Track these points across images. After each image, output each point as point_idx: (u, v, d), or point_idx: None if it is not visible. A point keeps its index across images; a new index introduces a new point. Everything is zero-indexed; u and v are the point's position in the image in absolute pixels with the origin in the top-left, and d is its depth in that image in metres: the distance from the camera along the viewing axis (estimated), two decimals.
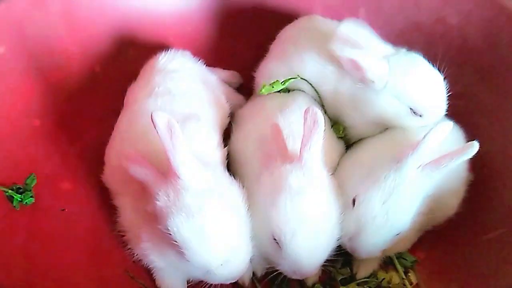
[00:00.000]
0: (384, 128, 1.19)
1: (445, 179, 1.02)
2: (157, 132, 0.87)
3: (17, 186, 1.14)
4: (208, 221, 0.87)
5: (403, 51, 1.13)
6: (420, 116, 1.11)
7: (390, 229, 0.98)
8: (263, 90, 1.21)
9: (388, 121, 1.16)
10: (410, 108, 1.10)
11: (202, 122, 1.13)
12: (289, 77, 1.22)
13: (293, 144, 1.04)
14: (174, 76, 1.20)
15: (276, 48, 1.34)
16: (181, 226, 0.86)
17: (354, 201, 1.00)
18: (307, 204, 0.94)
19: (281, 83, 1.21)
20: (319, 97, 1.25)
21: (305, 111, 0.95)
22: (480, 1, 1.25)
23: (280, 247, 0.95)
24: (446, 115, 1.19)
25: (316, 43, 1.21)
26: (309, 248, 0.94)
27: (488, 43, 1.25)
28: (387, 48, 1.13)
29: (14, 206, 1.11)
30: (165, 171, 0.92)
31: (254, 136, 1.15)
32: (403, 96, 1.10)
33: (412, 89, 1.09)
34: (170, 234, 0.87)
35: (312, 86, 1.23)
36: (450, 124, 0.98)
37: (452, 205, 1.13)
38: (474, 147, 0.95)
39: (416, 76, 1.09)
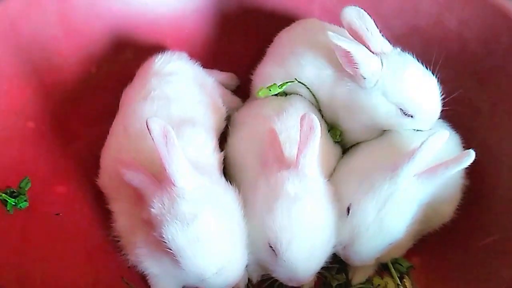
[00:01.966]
0: (380, 132, 1.19)
1: (441, 186, 1.01)
2: (152, 139, 0.87)
3: (11, 190, 1.12)
4: (203, 230, 0.87)
5: (397, 50, 1.12)
6: (412, 117, 1.10)
7: (384, 238, 0.97)
8: (260, 93, 1.20)
9: (380, 123, 1.15)
10: (400, 109, 1.10)
11: (198, 127, 1.12)
12: (287, 81, 1.21)
13: (290, 149, 1.04)
14: (170, 79, 1.19)
15: (273, 51, 1.33)
16: (176, 234, 0.86)
17: (348, 209, 1.00)
18: (304, 212, 0.93)
19: (279, 86, 1.21)
20: (316, 101, 1.24)
21: (301, 117, 0.95)
22: (479, 7, 1.24)
23: (276, 254, 0.95)
24: (442, 120, 1.18)
25: (313, 46, 1.20)
26: (305, 256, 0.94)
27: (486, 48, 1.25)
28: (384, 44, 1.11)
29: (8, 210, 1.09)
30: (160, 177, 0.92)
31: (251, 140, 1.14)
32: (393, 95, 1.09)
33: (401, 88, 1.08)
34: (165, 242, 0.87)
35: (310, 90, 1.23)
36: (446, 133, 0.97)
37: (448, 212, 1.13)
38: (470, 156, 0.94)
39: (407, 76, 1.08)
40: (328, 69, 1.18)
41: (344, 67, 1.11)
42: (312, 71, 1.20)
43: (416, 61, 1.12)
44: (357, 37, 1.09)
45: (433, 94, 1.11)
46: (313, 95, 1.24)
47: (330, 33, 1.06)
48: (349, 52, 1.06)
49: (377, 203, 0.96)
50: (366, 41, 1.09)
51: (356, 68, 1.08)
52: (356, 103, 1.14)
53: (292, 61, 1.23)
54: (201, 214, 0.87)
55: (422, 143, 0.95)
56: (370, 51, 1.08)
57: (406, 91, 1.08)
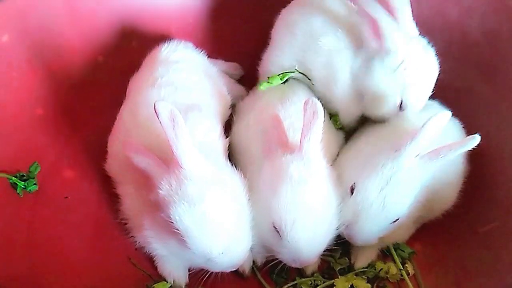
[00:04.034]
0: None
1: (443, 171, 1.03)
2: (160, 122, 0.88)
3: (21, 174, 1.15)
4: (210, 210, 0.88)
5: (423, 40, 1.12)
6: (401, 109, 1.12)
7: (387, 216, 0.99)
8: (261, 87, 1.23)
9: (374, 101, 1.14)
10: (401, 101, 1.11)
11: (204, 113, 1.14)
12: (287, 71, 1.23)
13: (293, 135, 1.06)
14: (176, 67, 1.21)
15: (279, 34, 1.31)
16: (183, 215, 0.87)
17: (352, 189, 1.02)
18: (308, 194, 0.95)
19: (280, 78, 1.23)
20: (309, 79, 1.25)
21: (305, 102, 0.96)
22: None
23: (280, 235, 0.97)
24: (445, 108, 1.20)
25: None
26: (308, 237, 0.96)
27: (487, 38, 1.25)
28: (413, 28, 1.11)
29: (18, 193, 1.12)
30: (168, 160, 0.94)
31: (255, 127, 1.16)
32: (405, 87, 1.09)
33: (415, 86, 1.09)
34: (172, 223, 0.89)
35: (305, 75, 1.24)
36: (448, 114, 0.98)
37: (450, 197, 1.14)
38: (475, 140, 0.96)
39: (425, 76, 1.09)
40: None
41: (366, 39, 1.09)
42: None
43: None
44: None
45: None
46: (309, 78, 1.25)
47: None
48: (378, 22, 1.03)
49: (380, 181, 0.97)
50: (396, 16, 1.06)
51: (382, 41, 1.06)
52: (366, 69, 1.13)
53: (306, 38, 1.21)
54: (207, 195, 0.89)
55: (424, 124, 0.96)
56: None
57: (417, 91, 1.10)
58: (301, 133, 0.98)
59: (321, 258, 1.12)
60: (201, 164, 0.93)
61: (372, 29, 1.07)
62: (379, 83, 1.11)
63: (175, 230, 0.89)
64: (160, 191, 0.91)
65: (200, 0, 1.48)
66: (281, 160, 0.99)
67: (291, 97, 1.19)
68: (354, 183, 1.01)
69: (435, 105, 1.21)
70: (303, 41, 1.21)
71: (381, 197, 0.97)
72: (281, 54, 1.28)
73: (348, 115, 1.24)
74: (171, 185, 0.90)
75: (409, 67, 1.08)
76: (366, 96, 1.15)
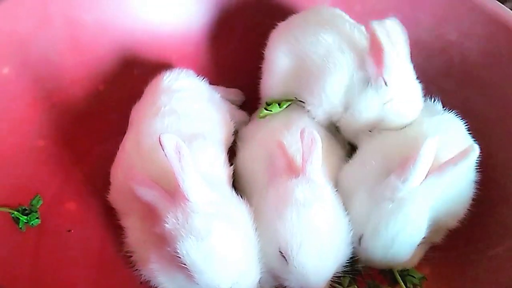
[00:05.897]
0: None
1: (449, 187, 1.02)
2: (166, 155, 0.88)
3: (23, 208, 1.13)
4: (217, 245, 0.87)
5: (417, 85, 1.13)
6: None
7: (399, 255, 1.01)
8: (261, 115, 1.24)
9: (351, 117, 1.16)
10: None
11: (208, 141, 1.13)
12: (286, 99, 1.25)
13: (299, 161, 1.05)
14: (179, 96, 1.21)
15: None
16: (190, 250, 0.86)
17: (359, 239, 1.03)
18: (313, 217, 0.95)
19: (279, 106, 1.24)
20: None
21: (301, 132, 0.98)
22: (479, 18, 1.26)
23: (286, 261, 0.95)
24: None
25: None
26: (315, 261, 0.95)
27: (487, 59, 1.26)
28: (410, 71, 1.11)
29: (20, 228, 1.10)
30: (173, 192, 0.93)
31: (260, 153, 1.16)
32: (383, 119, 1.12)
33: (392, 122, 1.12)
34: (179, 257, 0.87)
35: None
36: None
37: (457, 214, 1.13)
38: (475, 149, 0.95)
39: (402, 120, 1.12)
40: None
41: (367, 64, 1.09)
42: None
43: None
44: None
45: None
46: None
47: (375, 23, 1.02)
48: (382, 50, 1.03)
49: (387, 238, 0.98)
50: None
51: (381, 71, 1.06)
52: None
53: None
54: (215, 229, 0.88)
55: (422, 148, 0.94)
56: None
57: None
58: (302, 158, 0.99)
59: (330, 285, 1.10)
60: (207, 196, 0.92)
61: (376, 56, 1.06)
62: (365, 107, 1.13)
63: (182, 265, 0.88)
64: (166, 225, 0.90)
65: (201, 27, 1.49)
66: (286, 184, 0.99)
67: (296, 123, 1.19)
68: (362, 234, 1.02)
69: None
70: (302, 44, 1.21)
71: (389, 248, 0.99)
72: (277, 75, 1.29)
73: (324, 115, 1.23)
74: (178, 219, 0.89)
75: (393, 106, 1.10)
76: (349, 109, 1.16)
